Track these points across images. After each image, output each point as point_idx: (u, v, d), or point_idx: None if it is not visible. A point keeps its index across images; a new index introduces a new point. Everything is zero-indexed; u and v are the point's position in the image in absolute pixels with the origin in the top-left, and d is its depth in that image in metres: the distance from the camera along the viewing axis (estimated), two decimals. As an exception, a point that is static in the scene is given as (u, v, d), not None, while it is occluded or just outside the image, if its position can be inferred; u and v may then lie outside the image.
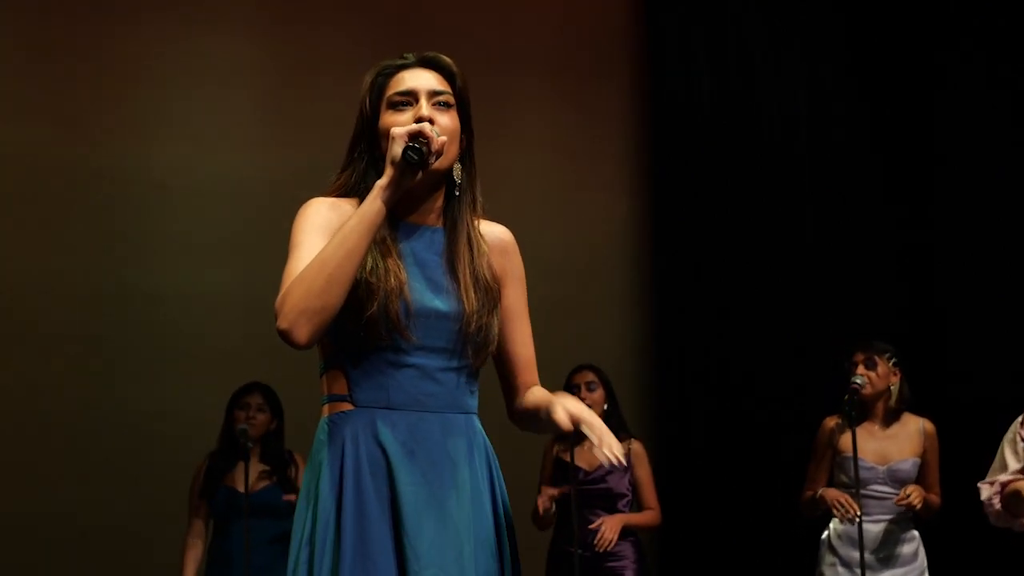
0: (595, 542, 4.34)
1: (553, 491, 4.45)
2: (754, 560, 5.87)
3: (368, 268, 1.91)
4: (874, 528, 4.13)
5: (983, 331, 5.74)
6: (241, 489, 4.27)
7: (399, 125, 1.95)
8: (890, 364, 4.20)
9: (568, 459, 4.38)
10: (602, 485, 4.50)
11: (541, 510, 4.40)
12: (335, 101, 5.66)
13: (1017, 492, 3.11)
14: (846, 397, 4.03)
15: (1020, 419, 3.29)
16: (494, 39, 6.32)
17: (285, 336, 1.86)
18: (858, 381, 4.07)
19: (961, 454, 4.37)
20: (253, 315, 4.80)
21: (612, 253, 6.52)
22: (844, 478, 4.19)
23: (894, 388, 4.20)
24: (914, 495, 4.04)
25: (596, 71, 6.60)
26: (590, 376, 4.61)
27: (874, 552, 4.14)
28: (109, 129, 5.46)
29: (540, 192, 6.39)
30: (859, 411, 4.06)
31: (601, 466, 4.41)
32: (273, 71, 5.84)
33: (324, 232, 1.93)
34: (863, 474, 4.06)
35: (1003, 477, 3.23)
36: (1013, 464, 3.23)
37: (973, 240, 6.05)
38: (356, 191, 2.01)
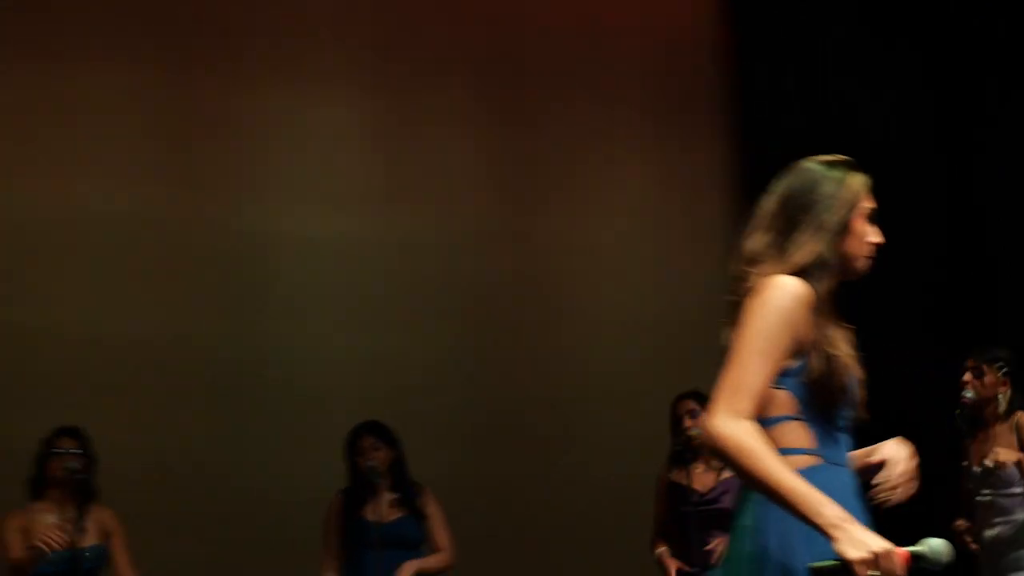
0: (713, 561, 4.42)
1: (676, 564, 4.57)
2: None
3: (843, 355, 2.13)
4: (990, 533, 4.22)
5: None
6: (372, 518, 4.52)
7: (870, 235, 2.21)
8: (999, 373, 4.20)
9: (684, 482, 4.52)
10: (718, 506, 4.57)
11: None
12: (447, 154, 6.00)
13: None
14: (956, 411, 4.08)
15: None
16: (592, 76, 6.54)
17: (707, 431, 2.02)
18: (967, 395, 4.12)
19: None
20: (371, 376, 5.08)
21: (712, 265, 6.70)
22: (970, 486, 4.28)
23: (1002, 397, 4.21)
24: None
25: (689, 104, 6.80)
26: (692, 405, 4.71)
27: (996, 557, 4.20)
28: (232, 189, 5.81)
29: (640, 205, 6.65)
30: (969, 422, 4.10)
31: (715, 487, 4.58)
32: (383, 131, 6.11)
33: (789, 335, 2.06)
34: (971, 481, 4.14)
35: None
36: None
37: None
38: (807, 273, 2.13)
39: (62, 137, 5.59)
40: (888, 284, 6.33)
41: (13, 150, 5.52)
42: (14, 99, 5.54)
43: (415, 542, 4.65)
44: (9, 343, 5.32)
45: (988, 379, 4.22)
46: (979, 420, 4.25)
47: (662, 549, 4.65)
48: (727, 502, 4.49)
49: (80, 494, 4.22)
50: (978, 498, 4.18)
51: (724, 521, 4.28)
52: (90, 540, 4.25)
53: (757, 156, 6.61)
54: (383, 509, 4.55)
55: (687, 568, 4.51)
